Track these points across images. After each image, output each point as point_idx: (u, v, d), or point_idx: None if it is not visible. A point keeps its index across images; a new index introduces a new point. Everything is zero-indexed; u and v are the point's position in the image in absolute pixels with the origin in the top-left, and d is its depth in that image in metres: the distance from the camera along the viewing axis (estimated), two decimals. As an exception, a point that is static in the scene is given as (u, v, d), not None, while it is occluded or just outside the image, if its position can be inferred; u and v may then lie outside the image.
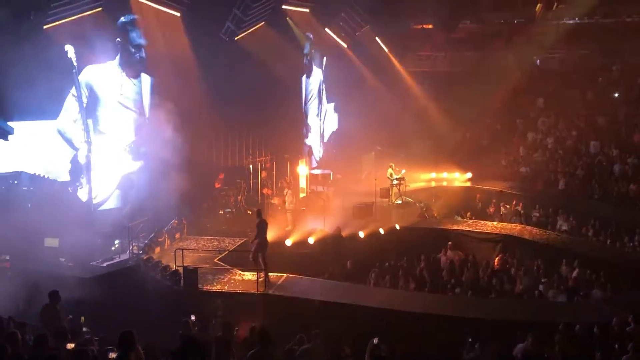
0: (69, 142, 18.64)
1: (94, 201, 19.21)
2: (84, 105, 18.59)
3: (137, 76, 19.95)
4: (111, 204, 19.71)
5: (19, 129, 16.66)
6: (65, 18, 17.59)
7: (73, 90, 18.33)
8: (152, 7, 20.08)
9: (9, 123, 16.35)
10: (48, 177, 17.67)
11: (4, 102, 16.16)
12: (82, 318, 12.13)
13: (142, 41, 19.48)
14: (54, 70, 17.38)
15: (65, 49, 17.74)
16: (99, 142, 19.08)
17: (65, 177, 18.57)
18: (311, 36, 27.78)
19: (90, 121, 18.85)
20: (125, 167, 19.97)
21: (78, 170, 18.77)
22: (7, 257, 15.27)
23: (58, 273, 14.70)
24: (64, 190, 18.29)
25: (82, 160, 18.77)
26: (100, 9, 18.46)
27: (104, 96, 19.22)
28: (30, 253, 15.44)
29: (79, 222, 17.10)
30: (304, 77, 28.33)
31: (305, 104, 28.67)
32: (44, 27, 17.11)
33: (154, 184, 19.14)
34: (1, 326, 10.12)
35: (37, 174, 17.32)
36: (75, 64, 18.12)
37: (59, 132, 18.41)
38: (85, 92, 18.64)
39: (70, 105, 18.46)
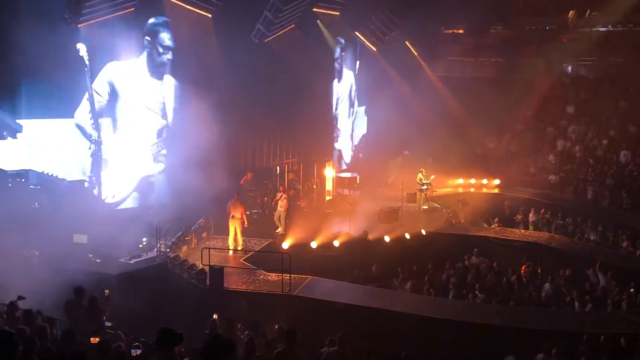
0: (88, 137, 18.72)
1: (111, 200, 19.28)
2: (98, 103, 18.58)
3: (161, 78, 20.02)
4: (129, 204, 19.83)
5: (28, 126, 16.97)
6: (98, 18, 17.84)
7: (94, 86, 18.43)
8: (184, 7, 20.26)
9: (18, 121, 16.63)
10: (56, 175, 17.72)
11: (13, 100, 16.41)
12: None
13: (171, 43, 19.63)
14: (71, 67, 17.76)
15: (77, 47, 17.93)
16: (116, 140, 19.15)
17: (75, 175, 18.55)
18: (342, 40, 27.85)
19: (109, 119, 18.92)
20: (145, 168, 20.07)
21: (93, 166, 18.92)
22: (37, 252, 15.48)
23: (85, 269, 14.86)
24: (75, 188, 18.23)
25: (95, 157, 18.90)
26: (133, 8, 18.68)
27: (125, 95, 19.27)
28: (59, 249, 15.66)
29: (97, 221, 17.33)
30: (335, 82, 28.38)
31: (336, 108, 28.66)
32: (78, 25, 17.39)
33: (181, 183, 19.28)
34: (30, 320, 10.28)
35: (45, 172, 17.33)
36: (87, 62, 18.26)
37: (78, 127, 18.47)
38: (106, 89, 18.67)
39: (90, 100, 18.54)
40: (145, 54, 19.57)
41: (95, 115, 18.63)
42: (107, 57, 18.73)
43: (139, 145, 19.97)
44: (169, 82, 20.41)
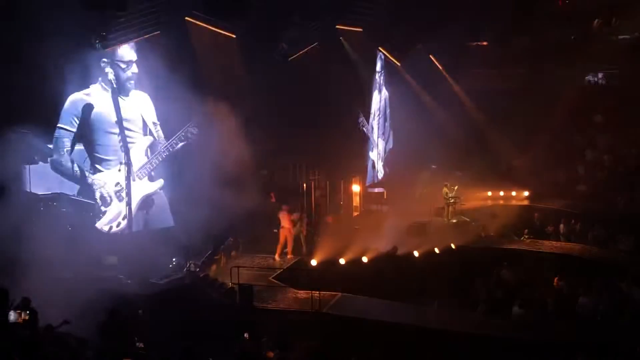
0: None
1: (116, 229, 18.94)
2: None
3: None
4: (134, 227, 19.40)
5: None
6: (126, 42, 18.10)
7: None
8: (208, 28, 20.46)
9: (49, 145, 16.90)
10: (87, 200, 17.88)
11: (45, 125, 16.68)
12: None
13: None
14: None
15: (106, 72, 18.00)
16: (102, 170, 18.72)
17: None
18: (382, 55, 28.01)
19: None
20: (142, 189, 19.66)
21: (91, 201, 18.50)
22: (68, 275, 15.64)
23: (117, 290, 15.00)
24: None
25: (94, 189, 18.54)
26: (159, 32, 18.90)
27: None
28: (90, 271, 15.83)
29: (126, 242, 17.52)
30: (375, 93, 28.51)
31: (374, 119, 28.68)
32: (105, 50, 17.68)
33: (208, 202, 19.36)
34: (63, 342, 10.40)
35: (76, 196, 17.50)
36: (115, 86, 18.28)
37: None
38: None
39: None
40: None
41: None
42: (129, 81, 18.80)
43: (131, 168, 19.21)
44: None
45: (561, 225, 24.20)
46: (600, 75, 34.20)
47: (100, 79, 18.54)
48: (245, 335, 13.55)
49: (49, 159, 17.71)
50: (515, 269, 19.92)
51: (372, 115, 28.41)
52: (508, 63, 32.98)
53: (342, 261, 19.43)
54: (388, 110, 30.36)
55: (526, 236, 23.65)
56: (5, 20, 15.58)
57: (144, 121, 19.67)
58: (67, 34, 15.89)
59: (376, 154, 29.31)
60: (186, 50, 19.75)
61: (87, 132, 18.25)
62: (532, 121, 29.24)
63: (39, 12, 15.37)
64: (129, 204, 18.80)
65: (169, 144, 19.72)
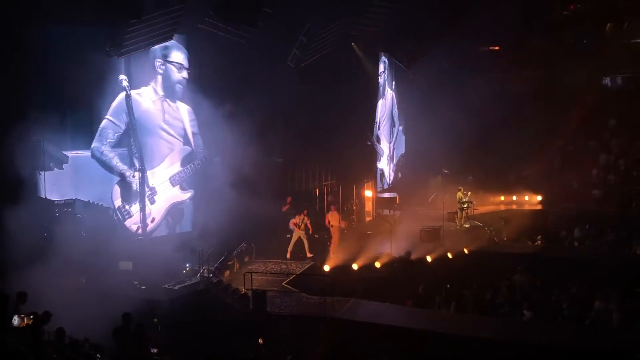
0: (106, 167, 18.60)
1: (142, 230, 19.30)
2: (115, 134, 18.62)
3: (175, 101, 19.96)
4: (162, 232, 19.90)
5: (74, 157, 17.41)
6: (139, 49, 18.22)
7: (110, 115, 18.45)
8: (221, 35, 20.53)
9: (64, 152, 17.05)
10: (102, 204, 17.99)
11: (59, 131, 16.83)
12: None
13: (186, 63, 19.71)
14: (114, 98, 18.27)
15: (120, 79, 18.26)
16: (141, 170, 19.19)
17: (118, 204, 18.80)
18: (385, 58, 28.02)
19: (128, 150, 18.93)
20: (173, 196, 20.13)
21: (126, 197, 18.92)
22: (83, 280, 15.78)
23: (131, 296, 15.09)
24: (112, 216, 18.52)
25: (131, 187, 18.94)
26: (172, 39, 19.05)
27: (144, 123, 19.21)
28: (105, 275, 15.94)
29: (140, 247, 17.58)
30: (380, 100, 28.54)
31: (379, 127, 28.71)
32: (119, 57, 17.82)
33: (221, 208, 19.47)
34: (78, 347, 10.48)
35: (90, 201, 17.64)
36: (130, 93, 18.57)
37: (95, 154, 18.34)
38: (123, 119, 18.66)
39: (108, 129, 18.50)
40: (159, 78, 19.53)
41: (133, 144, 18.87)
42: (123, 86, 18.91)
43: (164, 173, 19.94)
44: (183, 107, 20.33)
45: (575, 230, 24.07)
46: (618, 78, 34.04)
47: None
48: (260, 341, 13.59)
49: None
50: (528, 273, 19.81)
51: (377, 125, 28.44)
52: (521, 67, 32.94)
53: (355, 266, 19.44)
54: (395, 111, 30.30)
55: (540, 241, 23.53)
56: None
57: (184, 130, 20.27)
58: (79, 41, 16.10)
59: (385, 162, 29.29)
60: (199, 57, 19.94)
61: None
62: (545, 125, 29.16)
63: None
64: (142, 209, 19.06)
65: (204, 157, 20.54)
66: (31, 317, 10.82)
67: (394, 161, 30.72)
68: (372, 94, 28.17)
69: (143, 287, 16.45)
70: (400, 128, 31.08)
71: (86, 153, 18.13)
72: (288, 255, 20.78)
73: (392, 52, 28.56)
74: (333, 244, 21.16)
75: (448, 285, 18.63)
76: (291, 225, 21.10)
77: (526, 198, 28.31)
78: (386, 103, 29.45)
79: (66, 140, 17.36)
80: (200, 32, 19.58)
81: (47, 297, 11.90)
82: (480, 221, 25.36)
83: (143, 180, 18.95)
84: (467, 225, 24.95)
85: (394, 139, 30.44)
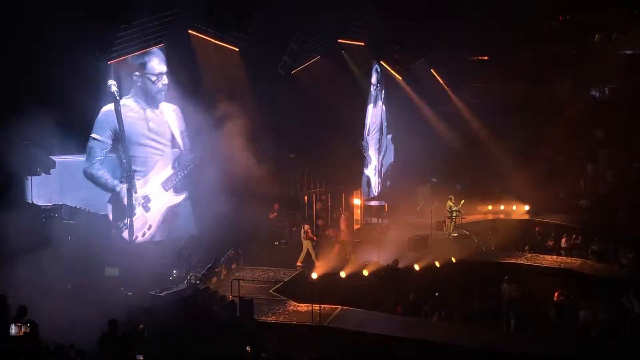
0: (101, 185, 18.66)
1: (141, 239, 19.28)
2: (101, 146, 18.57)
3: (158, 106, 19.81)
4: (157, 237, 19.87)
5: (61, 162, 17.23)
6: (129, 54, 18.21)
7: (95, 133, 18.40)
8: (211, 42, 20.57)
9: (51, 157, 16.91)
10: (89, 210, 17.81)
11: (47, 136, 16.71)
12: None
13: (164, 68, 19.55)
14: (103, 104, 18.27)
15: (109, 84, 18.16)
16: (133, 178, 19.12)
17: (105, 210, 18.71)
18: (378, 68, 28.11)
19: (118, 161, 18.88)
20: (167, 200, 20.11)
21: (120, 210, 18.87)
22: (69, 286, 15.66)
23: (117, 302, 14.99)
24: (106, 222, 18.48)
25: (123, 200, 18.84)
26: (162, 44, 19.04)
27: (129, 134, 19.03)
28: (91, 281, 15.84)
29: (127, 253, 17.49)
30: (370, 107, 28.61)
31: (368, 133, 28.76)
32: (109, 62, 17.80)
33: (208, 215, 19.44)
34: (63, 353, 10.40)
35: (77, 207, 17.45)
36: (118, 98, 18.44)
37: (87, 175, 18.42)
38: (108, 132, 18.56)
39: (95, 148, 18.48)
40: (139, 89, 19.34)
41: (120, 156, 18.78)
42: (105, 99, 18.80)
43: (156, 179, 19.90)
44: (169, 109, 20.18)
45: (562, 240, 24.19)
46: (605, 89, 34.29)
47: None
48: (247, 348, 13.54)
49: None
50: (516, 282, 19.88)
51: (366, 130, 28.51)
52: (510, 77, 33.14)
53: (342, 274, 19.42)
54: (385, 124, 30.42)
55: (527, 251, 23.62)
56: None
57: (172, 133, 20.24)
58: (68, 46, 16.03)
59: (372, 170, 29.35)
60: (190, 63, 19.93)
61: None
62: (534, 135, 29.32)
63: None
64: (130, 216, 18.95)
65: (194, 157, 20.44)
66: (28, 325, 10.78)
67: (382, 172, 30.73)
68: (362, 101, 28.22)
69: (129, 293, 16.33)
70: (389, 137, 31.14)
71: (74, 158, 18.09)
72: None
73: (385, 60, 28.67)
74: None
75: (436, 294, 18.65)
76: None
77: (514, 208, 28.43)
78: (377, 112, 29.51)
79: (54, 145, 17.24)
80: (191, 38, 19.61)
81: (33, 302, 11.79)
82: (468, 230, 25.42)
83: (133, 191, 18.89)
84: (455, 234, 25.01)
85: (383, 150, 30.48)
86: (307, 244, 20.86)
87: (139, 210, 19.32)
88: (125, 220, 18.91)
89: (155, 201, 19.77)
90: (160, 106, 19.93)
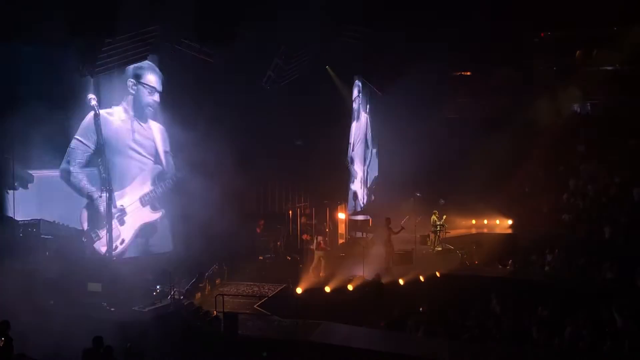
0: (76, 189, 18.49)
1: (114, 252, 19.04)
2: (84, 153, 18.51)
3: (146, 121, 19.95)
4: (132, 253, 19.71)
5: (39, 177, 17.20)
6: (112, 69, 18.14)
7: (79, 135, 18.34)
8: (194, 55, 20.55)
9: (29, 171, 16.80)
10: (67, 225, 17.78)
11: (25, 150, 16.60)
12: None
13: (158, 86, 19.73)
14: (83, 118, 18.13)
15: (89, 98, 18.10)
16: (110, 190, 18.88)
17: (84, 225, 18.59)
18: (359, 82, 28.22)
19: (99, 169, 18.74)
20: (143, 216, 19.99)
21: (95, 220, 18.71)
22: (52, 302, 15.49)
23: (100, 318, 14.85)
24: (85, 237, 18.35)
25: (99, 209, 18.69)
26: (146, 59, 19.02)
27: (114, 142, 19.08)
28: (73, 297, 15.68)
29: (110, 269, 17.34)
30: (354, 123, 28.63)
31: (353, 149, 28.80)
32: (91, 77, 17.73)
33: (192, 229, 19.34)
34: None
35: (55, 222, 17.39)
36: (99, 113, 18.39)
37: (63, 176, 18.27)
38: (93, 138, 18.52)
39: (77, 150, 18.41)
40: (130, 98, 19.46)
41: (101, 163, 18.63)
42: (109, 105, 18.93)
43: (134, 193, 19.81)
44: (155, 126, 20.29)
45: (545, 254, 24.29)
46: (587, 105, 34.66)
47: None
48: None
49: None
50: (499, 297, 19.92)
51: (350, 146, 28.58)
52: (492, 92, 33.43)
53: (327, 289, 19.39)
54: (369, 135, 30.51)
55: (510, 265, 23.69)
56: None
57: (156, 149, 20.20)
58: (50, 59, 15.99)
59: (358, 184, 29.40)
60: (174, 78, 19.93)
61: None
62: (516, 150, 29.53)
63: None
64: (109, 231, 18.75)
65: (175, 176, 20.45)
66: (3, 339, 10.67)
67: (367, 184, 30.82)
68: (346, 117, 28.33)
69: (112, 309, 16.19)
70: (374, 151, 31.24)
71: (52, 172, 17.95)
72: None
73: (366, 77, 28.82)
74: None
75: (420, 309, 18.65)
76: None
77: (497, 222, 28.56)
78: (360, 126, 29.62)
79: (32, 159, 17.11)
80: (176, 53, 19.59)
81: (14, 318, 11.66)
82: (452, 244, 25.49)
83: (111, 202, 18.65)
84: (439, 249, 25.08)
85: (367, 162, 30.58)
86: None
87: (113, 223, 19.05)
88: (100, 232, 18.70)
89: (131, 215, 19.61)
90: (148, 121, 19.99)
